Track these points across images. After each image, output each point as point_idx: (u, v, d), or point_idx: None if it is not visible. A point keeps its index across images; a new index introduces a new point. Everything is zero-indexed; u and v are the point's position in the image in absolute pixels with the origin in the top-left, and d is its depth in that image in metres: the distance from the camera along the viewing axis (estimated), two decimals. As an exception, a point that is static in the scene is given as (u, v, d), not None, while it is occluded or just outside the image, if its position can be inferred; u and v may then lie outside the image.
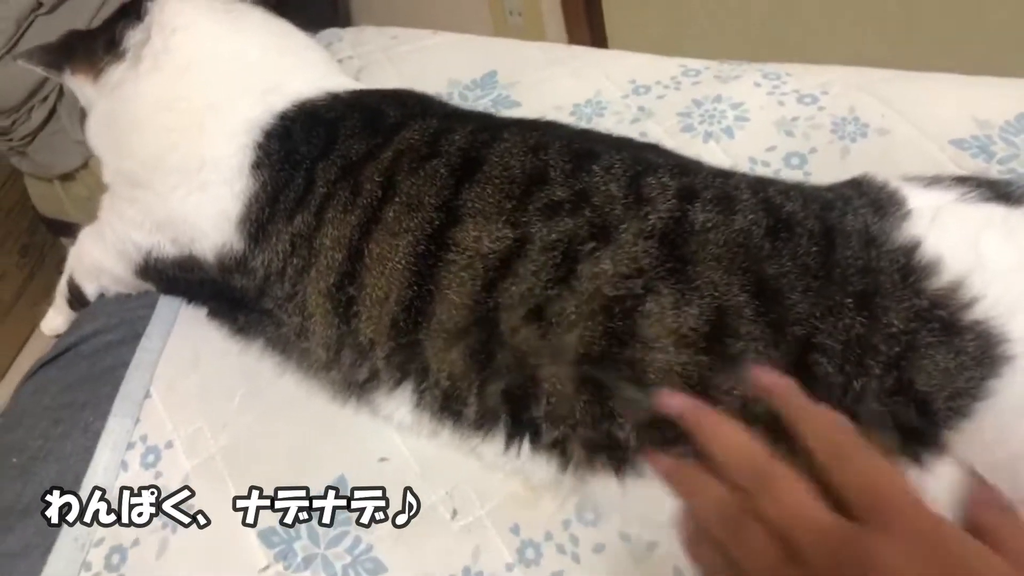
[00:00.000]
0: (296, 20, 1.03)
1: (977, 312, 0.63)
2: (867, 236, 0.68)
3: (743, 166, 0.92)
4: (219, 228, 0.87)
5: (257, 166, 0.86)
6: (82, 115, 1.04)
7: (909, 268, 0.65)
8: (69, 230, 2.09)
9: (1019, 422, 0.61)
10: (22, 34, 1.86)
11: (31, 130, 1.94)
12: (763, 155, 0.93)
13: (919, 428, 0.63)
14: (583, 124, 1.02)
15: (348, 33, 1.28)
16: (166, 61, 0.92)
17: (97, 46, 0.96)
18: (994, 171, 0.86)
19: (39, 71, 1.01)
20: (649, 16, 1.94)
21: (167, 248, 0.93)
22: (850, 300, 0.65)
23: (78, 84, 0.98)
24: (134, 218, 0.94)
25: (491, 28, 2.13)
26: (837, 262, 0.67)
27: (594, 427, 0.69)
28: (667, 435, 0.66)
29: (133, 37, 0.94)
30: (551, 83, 1.09)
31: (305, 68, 0.95)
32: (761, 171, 0.91)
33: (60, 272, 1.13)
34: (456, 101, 1.09)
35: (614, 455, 0.70)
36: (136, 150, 0.92)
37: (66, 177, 2.04)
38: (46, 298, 1.16)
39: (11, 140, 1.97)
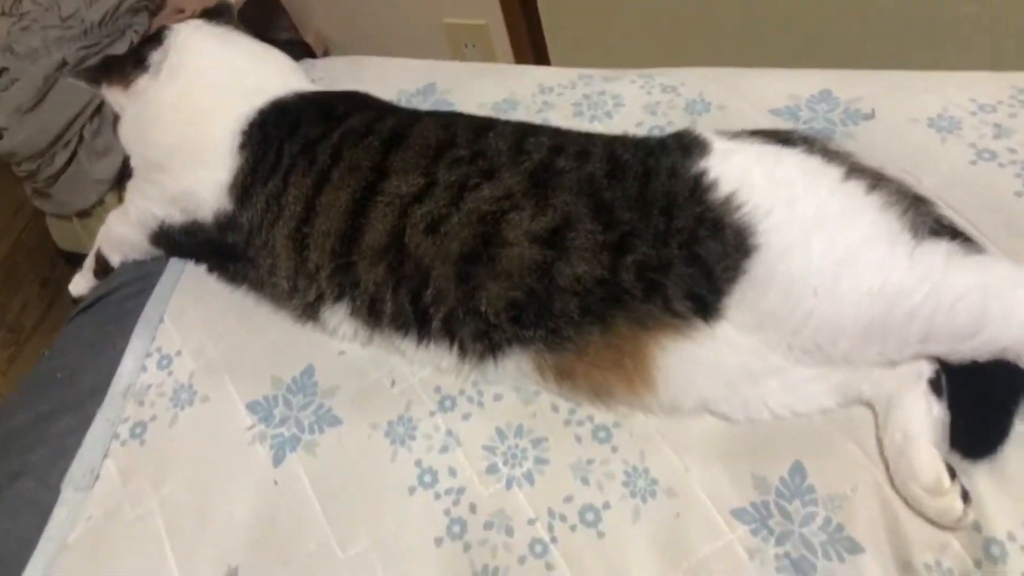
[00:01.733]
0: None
1: (737, 215, 0.90)
2: (672, 170, 0.95)
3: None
4: (215, 195, 1.15)
5: (243, 147, 1.15)
6: (115, 122, 1.34)
7: (696, 188, 0.93)
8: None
9: (767, 288, 0.87)
10: (48, 89, 2.16)
11: (54, 172, 2.21)
12: (633, 129, 1.22)
13: (704, 296, 0.89)
14: (500, 116, 1.31)
15: (321, 62, 1.60)
16: (180, 73, 1.23)
17: (128, 64, 1.26)
18: (801, 129, 1.15)
19: (82, 86, 1.30)
20: (587, 37, 2.27)
21: (177, 217, 1.21)
22: (656, 210, 0.92)
23: (112, 94, 1.28)
24: (153, 194, 1.23)
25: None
26: (650, 189, 0.94)
27: (465, 307, 0.95)
28: (523, 320, 0.93)
29: (155, 55, 1.25)
30: (478, 89, 1.39)
31: (279, 76, 1.26)
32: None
33: (76, 302, 1.40)
34: (403, 104, 1.39)
35: (487, 341, 0.97)
36: (157, 140, 1.22)
37: (83, 214, 2.29)
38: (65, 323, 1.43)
39: (36, 182, 2.24)
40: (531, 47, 2.35)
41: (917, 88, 1.17)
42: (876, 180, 0.94)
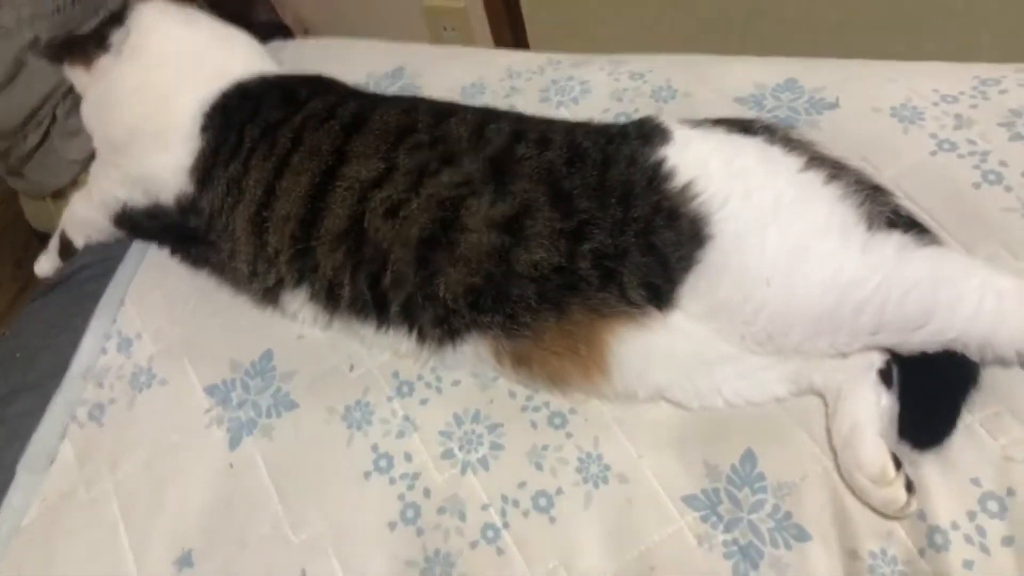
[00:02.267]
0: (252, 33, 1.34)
1: (693, 205, 0.90)
2: (631, 159, 0.95)
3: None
4: (177, 177, 1.15)
5: (204, 129, 1.14)
6: (77, 103, 1.32)
7: (654, 176, 0.92)
8: (60, 242, 2.35)
9: (721, 278, 0.88)
10: (20, 68, 2.14)
11: (26, 152, 2.19)
12: (599, 116, 1.22)
13: (659, 285, 0.89)
14: (468, 102, 1.30)
15: (290, 44, 1.59)
16: (141, 54, 1.22)
17: (90, 43, 1.25)
18: (766, 117, 1.15)
19: (45, 64, 1.29)
20: (565, 21, 2.27)
21: (139, 199, 1.20)
22: (613, 199, 0.92)
23: (75, 73, 1.27)
24: (115, 176, 1.22)
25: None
26: (609, 177, 0.94)
27: (424, 292, 0.95)
28: (481, 305, 0.93)
29: (117, 35, 1.24)
30: (446, 73, 1.38)
31: (242, 58, 1.25)
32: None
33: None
34: (371, 88, 1.38)
35: (445, 327, 0.97)
36: (119, 121, 1.21)
37: (57, 194, 2.28)
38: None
39: (8, 162, 2.22)
40: (510, 31, 2.35)
41: (882, 77, 1.17)
42: (835, 170, 0.94)
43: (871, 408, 0.83)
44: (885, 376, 0.85)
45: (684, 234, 0.88)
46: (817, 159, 0.96)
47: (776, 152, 0.95)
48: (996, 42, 1.81)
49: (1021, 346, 0.81)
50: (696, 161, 0.93)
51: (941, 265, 0.85)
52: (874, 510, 0.80)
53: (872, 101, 1.13)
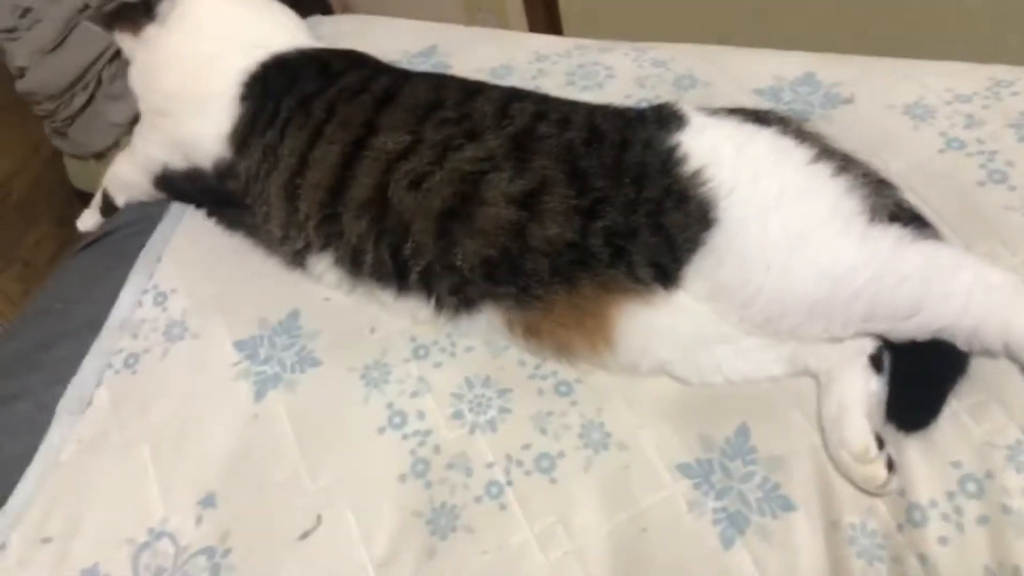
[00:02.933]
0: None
1: (702, 189, 0.94)
2: (647, 142, 0.99)
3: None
4: (215, 143, 1.20)
5: (243, 98, 1.19)
6: (122, 67, 1.39)
7: (668, 160, 0.97)
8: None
9: (723, 261, 0.92)
10: (69, 31, 2.21)
11: (72, 113, 2.27)
12: (622, 101, 1.26)
13: (665, 264, 0.94)
14: (496, 82, 1.34)
15: (328, 19, 1.64)
16: (185, 23, 1.28)
17: (139, 12, 1.31)
18: (779, 110, 1.18)
19: (97, 29, 1.36)
20: (597, 5, 2.30)
21: (179, 163, 1.26)
22: (628, 179, 0.97)
23: (124, 40, 1.33)
24: (157, 139, 1.28)
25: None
26: (625, 159, 0.98)
27: (442, 262, 1.00)
28: (496, 277, 0.98)
29: (164, 5, 1.30)
30: (476, 53, 1.43)
31: (283, 32, 1.30)
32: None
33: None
34: (404, 65, 1.43)
35: (461, 296, 1.02)
36: (162, 87, 1.27)
37: (100, 156, 2.36)
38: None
39: (55, 122, 2.30)
40: (543, 10, 2.38)
41: (898, 75, 1.20)
42: (844, 163, 0.98)
43: (859, 391, 0.87)
44: (876, 361, 0.89)
45: (692, 217, 0.93)
46: (827, 151, 0.99)
47: (787, 143, 0.99)
48: (1022, 44, 1.83)
49: (1007, 338, 0.85)
50: (709, 148, 0.97)
51: (935, 259, 0.89)
52: (856, 486, 0.85)
53: (886, 98, 1.16)
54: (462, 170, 1.01)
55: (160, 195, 1.36)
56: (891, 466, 0.84)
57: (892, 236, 0.90)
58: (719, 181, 0.94)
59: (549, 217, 0.97)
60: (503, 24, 2.42)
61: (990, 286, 0.86)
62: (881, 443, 0.84)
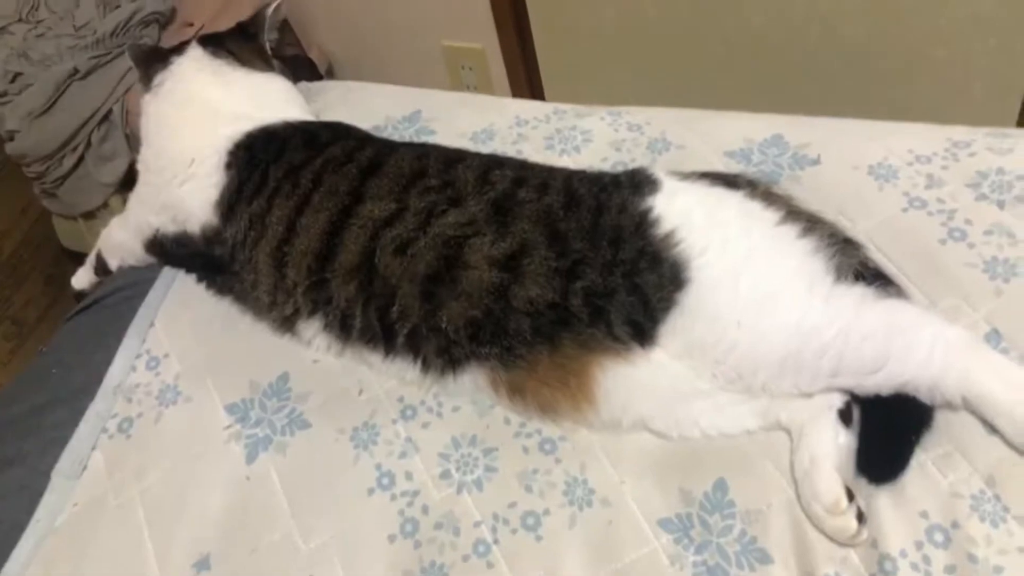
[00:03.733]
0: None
1: (674, 251, 0.98)
2: (622, 206, 1.04)
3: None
4: (203, 209, 1.25)
5: (229, 166, 1.24)
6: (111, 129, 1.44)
7: (641, 223, 1.01)
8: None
9: (696, 319, 0.96)
10: (59, 95, 2.26)
11: (62, 174, 2.30)
12: (598, 164, 1.31)
13: (641, 323, 0.98)
14: (478, 147, 1.40)
15: (315, 85, 1.69)
16: (174, 95, 1.34)
17: (150, 70, 1.38)
18: (750, 172, 1.23)
19: (130, 60, 1.44)
20: (576, 63, 2.37)
21: (169, 227, 1.30)
22: (605, 242, 1.01)
23: (139, 86, 1.40)
24: (148, 201, 1.32)
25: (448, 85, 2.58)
26: (601, 222, 1.03)
27: (428, 324, 1.04)
28: (481, 337, 1.02)
29: (158, 77, 1.35)
30: (459, 118, 1.48)
31: (270, 106, 1.34)
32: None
33: (78, 300, 1.50)
34: (389, 131, 1.48)
35: (447, 357, 1.05)
36: (152, 143, 1.33)
37: (88, 215, 2.39)
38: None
39: (44, 183, 2.34)
40: (525, 71, 2.45)
41: (862, 136, 1.26)
42: (810, 224, 1.03)
43: (829, 444, 0.91)
44: (844, 416, 0.93)
45: (665, 277, 0.97)
46: (794, 213, 1.04)
47: (755, 206, 1.04)
48: (987, 92, 1.90)
49: (965, 391, 0.89)
50: (680, 211, 1.02)
51: (897, 316, 0.93)
52: (829, 537, 0.88)
53: (852, 159, 1.22)
54: (445, 235, 1.05)
55: (151, 260, 1.39)
56: (861, 518, 0.87)
57: (856, 294, 0.95)
58: (690, 243, 0.98)
59: (531, 279, 1.01)
60: (486, 80, 2.49)
61: (949, 342, 0.91)
62: (851, 495, 0.88)
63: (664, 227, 1.00)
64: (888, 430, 0.94)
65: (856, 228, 1.11)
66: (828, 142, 1.26)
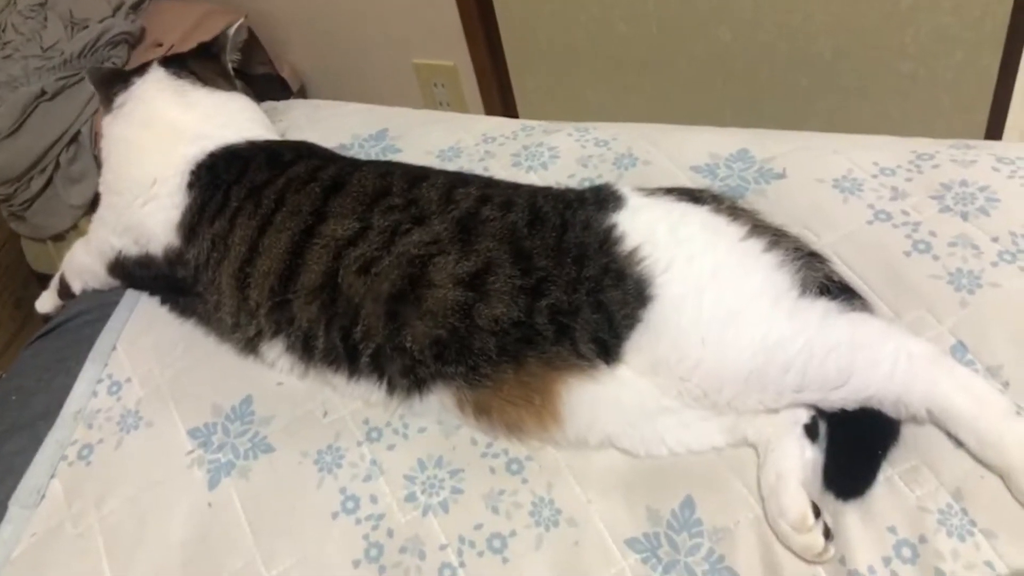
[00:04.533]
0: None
1: (638, 267, 0.98)
2: (586, 223, 1.03)
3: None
4: (164, 230, 1.23)
5: (191, 186, 1.23)
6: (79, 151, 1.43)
7: (605, 240, 1.01)
8: (58, 284, 2.42)
9: (660, 336, 0.96)
10: (27, 117, 2.23)
11: (30, 196, 2.28)
12: (565, 181, 1.31)
13: (606, 340, 0.97)
14: (444, 164, 1.39)
15: (281, 104, 1.68)
16: (135, 114, 1.32)
17: (109, 93, 1.36)
18: (716, 186, 1.23)
19: (91, 84, 1.42)
20: (550, 83, 2.38)
21: (131, 249, 1.28)
22: (569, 259, 1.01)
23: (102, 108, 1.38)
24: (110, 223, 1.30)
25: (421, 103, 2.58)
26: (566, 239, 1.02)
27: (392, 343, 1.03)
28: (446, 357, 1.01)
29: (119, 99, 1.34)
30: (426, 136, 1.47)
31: (232, 125, 1.32)
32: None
33: (50, 317, 1.49)
34: (355, 149, 1.48)
35: (412, 377, 1.04)
36: (113, 172, 1.31)
37: (57, 238, 2.36)
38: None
39: (12, 205, 2.31)
40: (497, 88, 2.45)
41: (827, 149, 1.26)
42: (776, 238, 1.03)
43: (795, 460, 0.90)
44: (810, 431, 0.92)
45: (630, 294, 0.96)
46: (760, 227, 1.04)
47: (720, 221, 1.03)
48: (955, 105, 1.92)
49: (928, 404, 0.89)
50: (644, 227, 1.01)
51: (860, 330, 0.93)
52: (796, 555, 0.87)
53: (816, 172, 1.22)
54: (409, 254, 1.04)
55: (115, 282, 1.37)
56: (828, 534, 0.86)
57: (820, 309, 0.94)
58: (655, 259, 0.98)
59: (495, 297, 1.00)
60: (457, 97, 2.49)
61: (912, 355, 0.90)
62: (818, 512, 0.87)
63: (628, 244, 0.99)
64: (855, 445, 0.94)
65: (821, 241, 1.11)
66: (793, 156, 1.26)
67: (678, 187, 1.14)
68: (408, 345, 1.02)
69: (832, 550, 0.86)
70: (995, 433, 0.87)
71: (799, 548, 0.87)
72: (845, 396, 0.90)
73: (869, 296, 1.05)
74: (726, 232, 1.02)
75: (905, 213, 1.14)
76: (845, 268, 1.08)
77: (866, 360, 0.90)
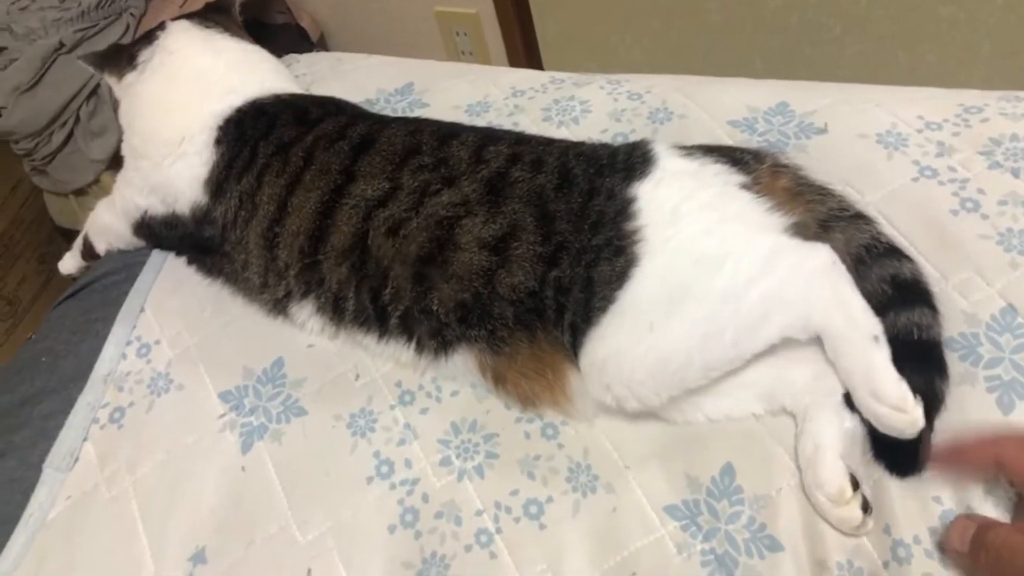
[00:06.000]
0: (272, 49, 1.40)
1: (636, 247, 0.94)
2: (611, 192, 0.99)
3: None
4: (192, 188, 1.21)
5: (218, 142, 1.20)
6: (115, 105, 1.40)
7: (621, 213, 0.97)
8: (82, 239, 2.42)
9: (626, 316, 0.92)
10: (46, 70, 2.21)
11: (51, 151, 2.27)
12: (598, 136, 1.27)
13: (578, 323, 0.94)
14: (473, 120, 1.36)
15: (304, 57, 1.64)
16: (162, 70, 1.29)
17: (124, 59, 1.32)
18: (754, 141, 1.19)
19: (90, 70, 1.37)
20: (574, 29, 2.32)
21: (158, 208, 1.26)
22: (587, 226, 0.97)
23: (111, 81, 1.35)
24: (136, 183, 1.28)
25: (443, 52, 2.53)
26: (589, 206, 0.99)
27: (420, 306, 1.01)
28: (469, 320, 0.99)
29: (144, 54, 1.30)
30: (453, 90, 1.43)
31: (259, 79, 1.30)
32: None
33: (74, 277, 1.47)
34: (381, 104, 1.44)
35: (439, 339, 1.03)
36: (140, 129, 1.28)
37: (80, 192, 2.36)
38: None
39: (34, 160, 2.30)
40: (521, 36, 2.40)
41: (869, 103, 1.21)
42: (820, 197, 1.00)
43: (834, 430, 0.88)
44: (849, 400, 0.90)
45: (616, 271, 0.93)
46: (794, 197, 1.00)
47: (737, 205, 0.97)
48: (996, 51, 1.85)
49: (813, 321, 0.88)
50: (657, 205, 0.97)
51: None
52: (834, 527, 0.86)
53: (859, 127, 1.17)
54: (439, 215, 1.02)
55: (139, 243, 1.36)
56: (867, 507, 0.85)
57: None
58: (652, 241, 0.94)
59: (516, 263, 0.98)
60: (480, 46, 2.44)
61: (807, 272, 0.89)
62: (856, 484, 0.85)
63: (638, 221, 0.96)
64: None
65: (865, 200, 1.08)
66: (834, 109, 1.22)
67: (719, 146, 1.09)
68: (435, 308, 1.01)
69: (871, 524, 0.84)
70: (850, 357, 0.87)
71: (836, 521, 0.85)
72: (772, 332, 0.88)
73: (915, 257, 1.01)
74: (737, 217, 0.97)
75: (952, 170, 1.09)
76: (889, 228, 1.04)
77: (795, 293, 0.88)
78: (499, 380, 1.00)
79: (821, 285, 0.88)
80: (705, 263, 0.91)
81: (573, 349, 0.95)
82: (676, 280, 0.91)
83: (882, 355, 0.85)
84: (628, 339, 0.91)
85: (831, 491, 0.84)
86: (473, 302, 0.98)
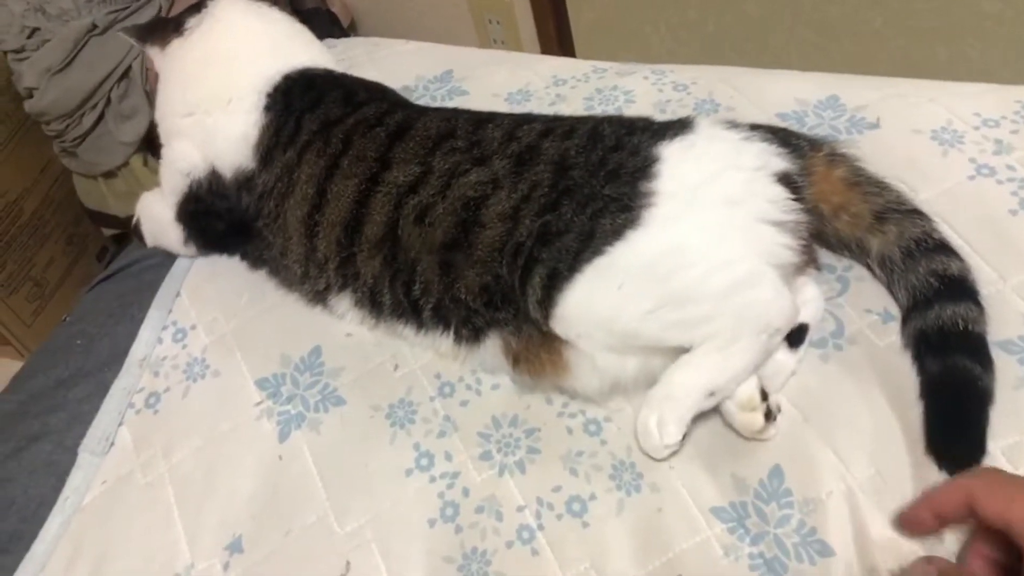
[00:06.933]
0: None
1: (643, 211, 0.91)
2: (635, 148, 0.97)
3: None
4: (239, 149, 1.18)
5: (267, 108, 1.18)
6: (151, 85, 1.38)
7: (641, 170, 0.94)
8: (110, 221, 2.42)
9: (608, 270, 0.91)
10: (78, 51, 2.20)
11: (81, 133, 2.26)
12: (642, 127, 1.25)
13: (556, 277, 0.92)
14: (513, 108, 1.34)
15: (340, 42, 1.63)
16: (212, 32, 1.28)
17: (170, 27, 1.31)
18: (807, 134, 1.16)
19: (132, 42, 1.37)
20: (608, 18, 2.29)
21: (200, 169, 1.22)
22: (602, 174, 0.95)
23: (153, 54, 1.33)
24: (176, 150, 1.25)
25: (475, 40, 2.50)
26: (610, 157, 0.97)
27: (449, 296, 1.00)
28: (495, 303, 0.98)
29: (192, 21, 1.29)
30: (493, 77, 1.41)
31: (309, 51, 1.29)
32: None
33: (100, 259, 1.44)
34: (420, 91, 1.42)
35: (472, 326, 1.01)
36: (185, 94, 1.26)
37: (109, 174, 2.35)
38: (88, 281, 1.46)
39: (64, 142, 2.29)
40: (555, 24, 2.37)
41: (923, 98, 1.18)
42: (877, 190, 0.99)
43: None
44: (791, 336, 0.94)
45: (615, 226, 0.92)
46: (858, 182, 1.00)
47: (761, 200, 0.95)
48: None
49: None
50: (679, 173, 0.95)
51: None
52: (736, 433, 0.90)
53: (913, 122, 1.14)
54: (465, 196, 1.00)
55: (179, 236, 1.31)
56: (769, 416, 0.89)
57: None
58: (659, 210, 0.92)
59: (524, 222, 0.96)
60: (513, 34, 2.41)
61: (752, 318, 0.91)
62: (765, 395, 0.89)
63: (656, 183, 0.93)
64: (955, 414, 0.88)
65: (919, 197, 1.05)
66: (887, 104, 1.19)
67: (773, 126, 1.07)
68: (463, 296, 1.00)
69: (773, 431, 0.89)
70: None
71: (739, 426, 0.90)
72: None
73: (970, 257, 0.98)
74: (742, 227, 0.94)
75: (1010, 168, 1.07)
76: (944, 227, 1.01)
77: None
78: (516, 361, 0.99)
79: (748, 345, 0.90)
80: (685, 255, 0.91)
81: (547, 292, 0.92)
82: (656, 254, 0.91)
83: (692, 402, 0.91)
84: (599, 291, 0.91)
85: (741, 398, 0.89)
86: (495, 284, 0.97)
